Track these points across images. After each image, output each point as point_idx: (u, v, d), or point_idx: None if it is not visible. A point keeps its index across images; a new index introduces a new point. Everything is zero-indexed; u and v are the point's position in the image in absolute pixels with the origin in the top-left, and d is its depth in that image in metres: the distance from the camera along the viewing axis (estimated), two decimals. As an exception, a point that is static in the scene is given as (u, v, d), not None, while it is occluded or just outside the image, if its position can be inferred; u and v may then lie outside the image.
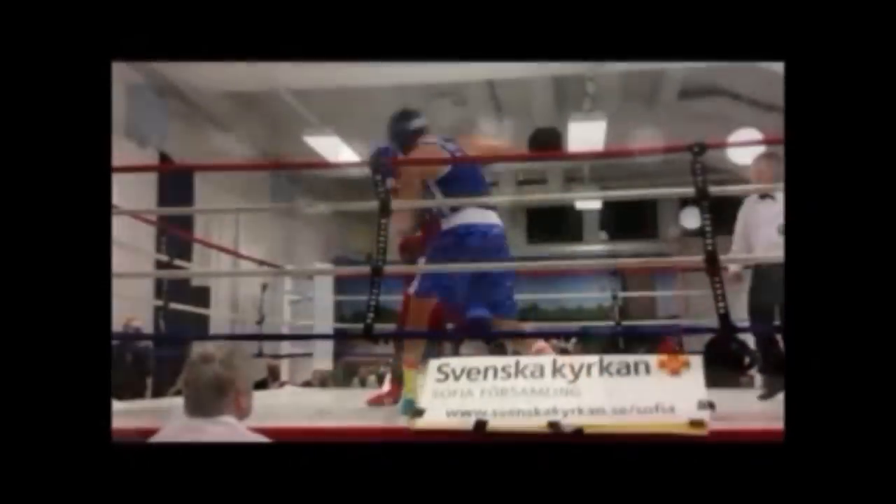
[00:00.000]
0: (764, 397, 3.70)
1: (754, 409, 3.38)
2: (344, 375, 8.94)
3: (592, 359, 2.43)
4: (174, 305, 5.34)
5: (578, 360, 2.46)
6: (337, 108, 8.25)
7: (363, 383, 8.44)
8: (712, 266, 2.45)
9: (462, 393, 2.41)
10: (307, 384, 7.34)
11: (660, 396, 2.26)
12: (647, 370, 2.36)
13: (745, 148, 6.79)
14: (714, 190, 2.53)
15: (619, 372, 2.38)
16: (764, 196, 3.97)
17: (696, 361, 2.35)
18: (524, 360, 2.50)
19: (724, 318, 2.42)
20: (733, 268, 3.92)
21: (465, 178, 3.41)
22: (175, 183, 7.02)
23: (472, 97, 8.31)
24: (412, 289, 3.42)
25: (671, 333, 4.82)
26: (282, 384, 7.48)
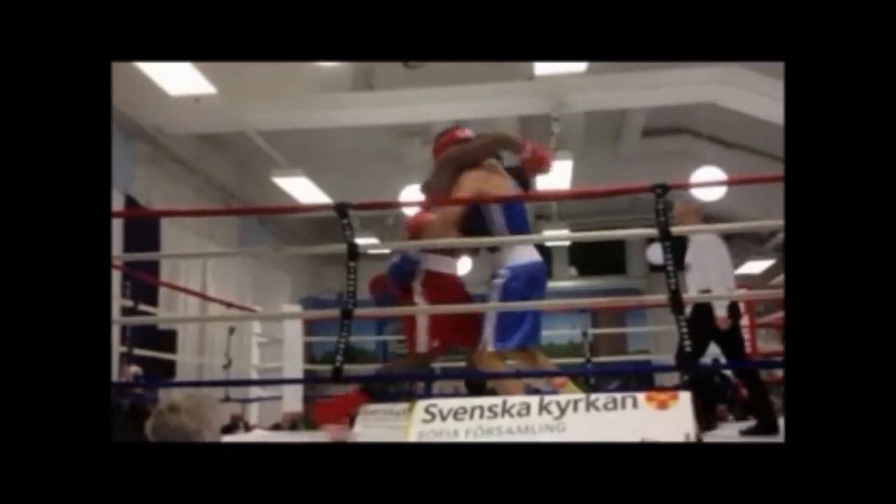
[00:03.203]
0: (750, 432, 3.70)
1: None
2: (314, 418, 8.80)
3: (580, 395, 2.44)
4: (139, 351, 5.26)
5: (565, 396, 2.46)
6: (306, 148, 8.27)
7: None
8: (676, 304, 2.47)
9: (448, 433, 2.40)
10: (276, 427, 7.21)
11: (646, 431, 2.25)
12: (635, 405, 2.36)
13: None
14: (676, 230, 2.57)
15: (605, 407, 2.37)
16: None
17: (685, 395, 2.36)
18: (511, 399, 2.49)
19: (691, 354, 2.45)
20: (721, 312, 4.00)
21: (520, 207, 3.38)
22: (141, 225, 6.95)
23: (441, 137, 8.39)
24: (490, 346, 3.16)
25: (642, 372, 4.85)
26: (249, 428, 7.34)
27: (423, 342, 3.28)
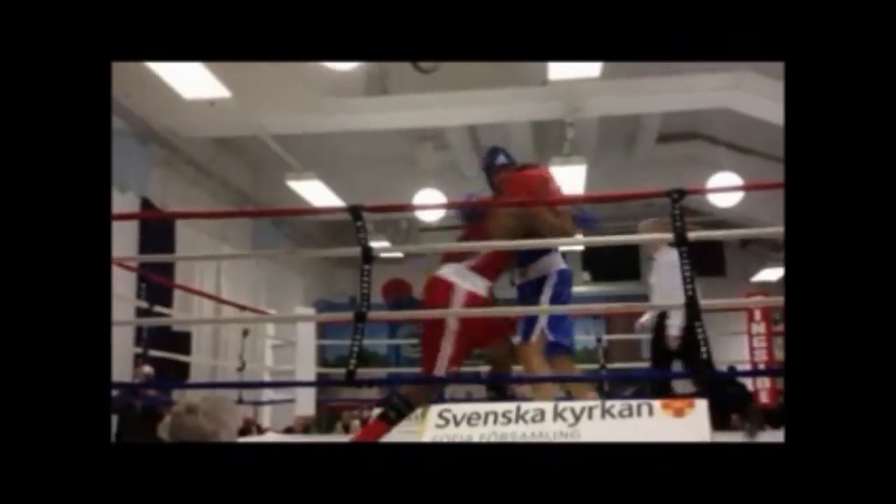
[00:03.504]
0: (750, 434, 3.76)
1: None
2: (327, 421, 8.81)
3: (594, 402, 2.42)
4: (154, 352, 5.29)
5: (580, 403, 2.44)
6: (319, 152, 8.30)
7: (346, 428, 8.32)
8: (693, 310, 2.45)
9: (461, 438, 2.39)
10: (289, 430, 7.23)
11: (662, 438, 2.23)
12: (651, 412, 2.34)
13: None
14: (693, 235, 2.55)
15: (621, 414, 2.35)
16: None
17: (702, 403, 2.34)
18: (525, 405, 2.48)
19: (707, 362, 2.42)
20: (674, 332, 4.24)
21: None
22: (156, 228, 7.00)
23: (454, 141, 8.40)
24: (550, 338, 3.30)
25: (656, 378, 4.85)
26: (262, 431, 7.36)
27: (442, 368, 3.21)
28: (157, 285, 5.69)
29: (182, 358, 6.61)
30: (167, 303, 6.39)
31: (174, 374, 6.49)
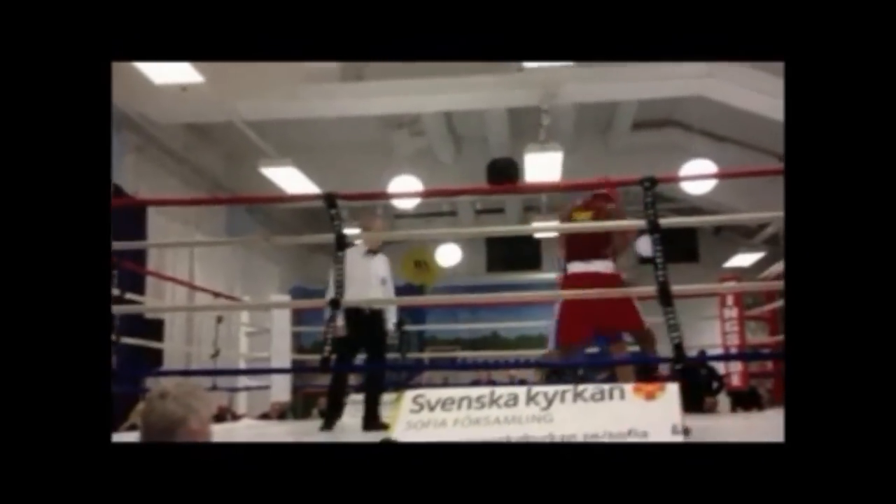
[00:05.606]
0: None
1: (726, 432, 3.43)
2: (303, 407, 8.80)
3: (567, 386, 2.44)
4: (126, 340, 5.24)
5: (553, 387, 2.46)
6: (294, 138, 8.23)
7: (322, 414, 8.31)
8: (664, 296, 2.48)
9: (436, 423, 2.40)
10: (265, 416, 7.21)
11: (634, 422, 2.26)
12: (622, 396, 2.36)
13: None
14: (665, 222, 2.58)
15: (593, 398, 2.38)
16: None
17: (673, 387, 2.36)
18: (499, 389, 2.50)
19: (678, 347, 2.46)
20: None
21: None
22: (128, 215, 6.91)
23: (430, 127, 8.38)
24: None
25: (627, 363, 4.89)
26: (237, 417, 7.34)
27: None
28: (129, 272, 5.63)
29: (155, 345, 6.56)
30: (139, 290, 6.32)
31: (147, 362, 6.44)
